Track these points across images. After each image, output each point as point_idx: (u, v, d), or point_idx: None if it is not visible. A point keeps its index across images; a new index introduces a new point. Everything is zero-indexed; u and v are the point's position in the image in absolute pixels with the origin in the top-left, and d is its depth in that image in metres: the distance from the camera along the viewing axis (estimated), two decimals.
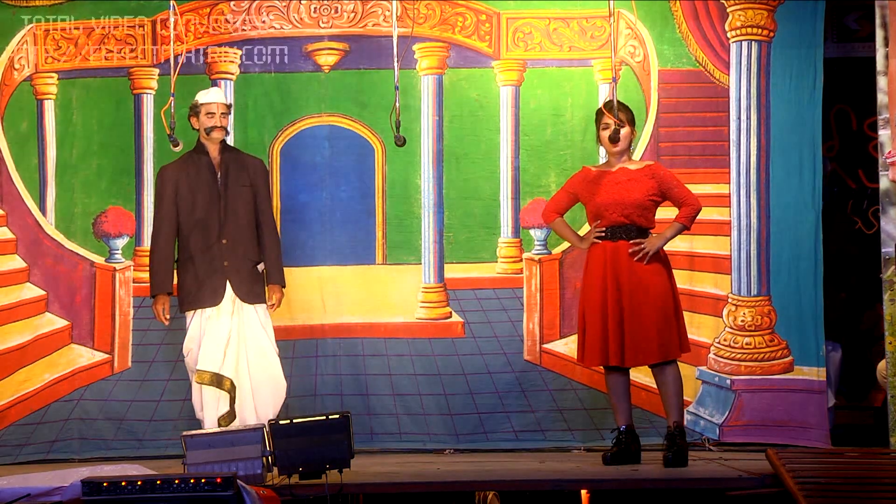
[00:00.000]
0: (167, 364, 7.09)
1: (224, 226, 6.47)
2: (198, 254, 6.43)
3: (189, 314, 6.47)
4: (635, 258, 6.04)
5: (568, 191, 6.36)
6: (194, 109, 6.51)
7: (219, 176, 6.50)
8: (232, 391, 6.41)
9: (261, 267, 6.56)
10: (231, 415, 6.39)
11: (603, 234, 6.11)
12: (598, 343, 6.09)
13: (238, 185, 6.52)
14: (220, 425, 6.32)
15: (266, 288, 6.57)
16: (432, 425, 7.06)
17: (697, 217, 6.18)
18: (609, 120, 6.20)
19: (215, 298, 6.41)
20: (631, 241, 6.08)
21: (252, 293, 6.50)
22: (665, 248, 6.18)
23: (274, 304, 6.60)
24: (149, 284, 6.59)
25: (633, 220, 6.11)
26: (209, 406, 6.40)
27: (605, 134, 6.23)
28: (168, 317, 6.51)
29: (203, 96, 6.53)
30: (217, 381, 6.39)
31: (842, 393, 7.52)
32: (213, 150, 6.54)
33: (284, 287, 6.62)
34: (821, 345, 6.97)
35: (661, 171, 6.20)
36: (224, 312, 6.43)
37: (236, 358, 6.43)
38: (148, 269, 6.61)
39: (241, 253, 6.50)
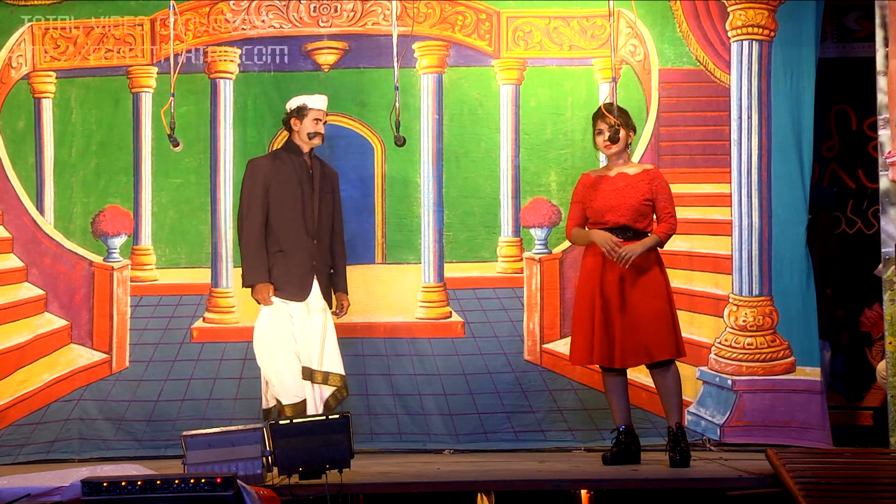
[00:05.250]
0: (164, 364, 7.09)
1: (316, 227, 6.52)
2: (290, 249, 6.45)
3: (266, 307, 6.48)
4: (621, 264, 6.03)
5: (577, 202, 6.33)
6: (300, 112, 6.51)
7: (313, 177, 6.55)
8: (341, 386, 6.48)
9: None
10: (330, 405, 6.46)
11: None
12: (587, 342, 6.10)
13: (324, 192, 6.59)
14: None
15: (334, 295, 6.64)
16: (432, 425, 7.05)
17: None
18: (603, 125, 6.20)
19: (302, 294, 6.44)
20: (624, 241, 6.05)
21: (328, 296, 6.58)
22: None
23: (340, 312, 6.65)
24: (244, 274, 6.49)
25: (631, 223, 6.11)
26: (311, 389, 6.45)
27: (601, 139, 6.23)
28: (273, 301, 6.46)
29: (312, 101, 6.55)
30: (324, 378, 6.45)
31: (842, 393, 7.51)
32: (306, 154, 6.58)
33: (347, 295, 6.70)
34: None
35: (658, 178, 6.19)
36: (315, 309, 6.47)
37: (337, 351, 6.51)
38: (241, 258, 6.51)
39: (325, 256, 6.57)
